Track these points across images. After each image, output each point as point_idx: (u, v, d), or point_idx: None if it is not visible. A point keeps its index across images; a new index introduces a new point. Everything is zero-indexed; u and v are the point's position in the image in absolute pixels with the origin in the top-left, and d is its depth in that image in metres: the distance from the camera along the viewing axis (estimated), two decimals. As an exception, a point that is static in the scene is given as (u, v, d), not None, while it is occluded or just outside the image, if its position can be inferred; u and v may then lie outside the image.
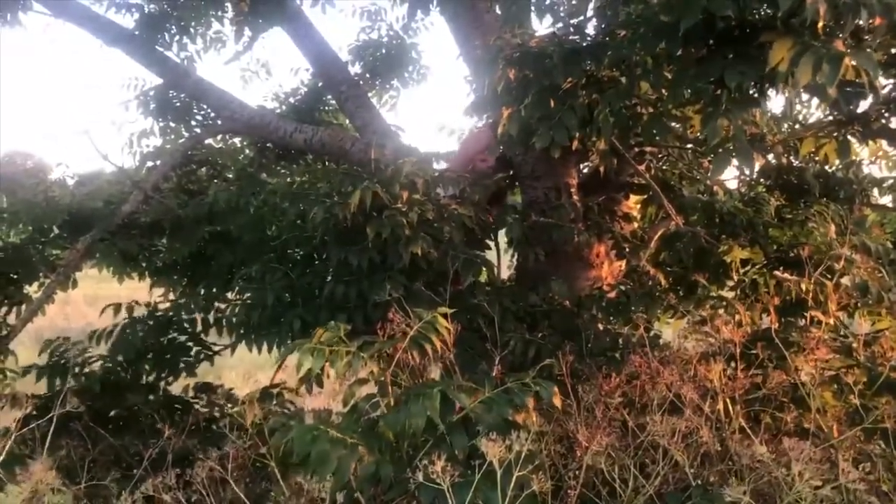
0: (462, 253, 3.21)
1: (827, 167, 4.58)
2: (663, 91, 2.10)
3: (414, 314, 2.33)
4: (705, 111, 1.94)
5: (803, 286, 2.66)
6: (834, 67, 1.65)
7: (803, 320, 2.86)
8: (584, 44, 2.24)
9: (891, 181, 4.69)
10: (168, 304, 3.83)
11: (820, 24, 1.64)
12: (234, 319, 3.47)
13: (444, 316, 2.20)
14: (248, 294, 3.40)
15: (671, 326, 3.48)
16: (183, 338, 3.65)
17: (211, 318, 3.73)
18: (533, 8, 3.80)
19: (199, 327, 3.71)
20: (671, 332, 3.60)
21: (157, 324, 3.65)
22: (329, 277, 3.16)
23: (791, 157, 4.53)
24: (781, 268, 3.49)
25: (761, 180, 4.65)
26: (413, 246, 2.98)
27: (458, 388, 1.92)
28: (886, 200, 4.82)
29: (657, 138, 2.47)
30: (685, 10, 1.76)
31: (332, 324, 2.29)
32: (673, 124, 2.23)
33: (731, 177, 4.63)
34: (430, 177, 3.33)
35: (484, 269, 3.34)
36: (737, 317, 2.70)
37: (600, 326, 3.40)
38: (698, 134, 2.46)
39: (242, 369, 4.82)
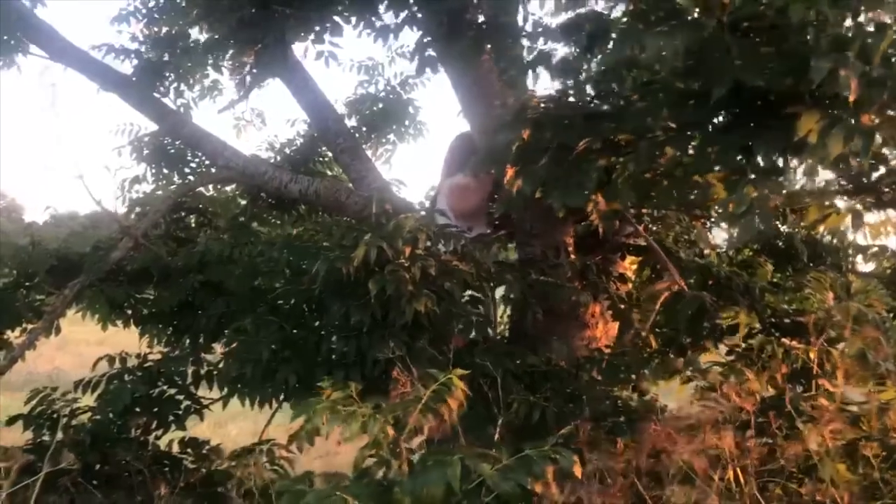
0: (463, 310, 3.15)
1: (814, 233, 4.64)
2: (682, 156, 2.08)
3: (423, 375, 2.26)
4: (730, 179, 1.93)
5: (812, 355, 2.63)
6: (866, 141, 1.65)
7: (811, 389, 2.82)
8: (605, 107, 2.23)
9: (875, 249, 4.74)
10: (158, 356, 3.70)
11: (851, 98, 1.65)
12: (226, 373, 3.36)
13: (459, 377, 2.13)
14: (241, 347, 3.30)
15: (666, 388, 3.45)
16: (172, 391, 3.52)
17: (202, 370, 3.62)
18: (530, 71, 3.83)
19: (190, 380, 3.58)
20: (665, 393, 3.57)
21: (145, 375, 3.52)
22: (326, 332, 3.06)
23: (779, 222, 4.58)
24: (777, 334, 3.49)
25: (749, 245, 4.68)
26: (417, 303, 2.92)
27: (476, 455, 1.85)
28: (870, 267, 4.87)
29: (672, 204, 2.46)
30: (716, 79, 1.76)
31: (326, 381, 2.22)
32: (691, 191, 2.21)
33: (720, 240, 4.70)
34: (433, 232, 3.28)
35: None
36: (747, 384, 2.65)
37: (599, 389, 3.35)
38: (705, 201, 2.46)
39: (212, 419, 4.70)
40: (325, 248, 3.13)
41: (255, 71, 4.36)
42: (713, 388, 2.79)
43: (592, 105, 2.29)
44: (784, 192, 1.86)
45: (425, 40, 3.19)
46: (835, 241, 4.80)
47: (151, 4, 4.85)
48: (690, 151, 2.05)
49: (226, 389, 3.35)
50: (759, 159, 1.87)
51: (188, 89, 4.69)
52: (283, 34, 3.45)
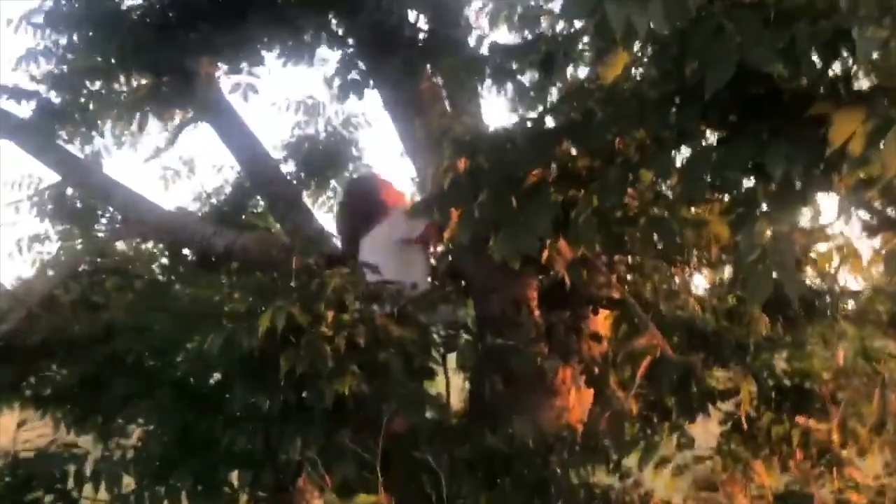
0: (402, 387, 2.58)
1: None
2: (663, 182, 1.53)
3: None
4: (735, 212, 1.37)
5: (833, 435, 2.04)
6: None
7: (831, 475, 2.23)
8: (557, 124, 1.68)
9: (867, 293, 4.24)
10: (30, 452, 3.03)
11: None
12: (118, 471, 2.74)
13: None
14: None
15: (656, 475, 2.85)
16: (48, 499, 2.86)
17: (88, 469, 2.95)
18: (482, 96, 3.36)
19: (71, 483, 2.92)
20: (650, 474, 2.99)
21: (15, 480, 2.86)
22: (229, 422, 2.47)
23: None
24: (779, 400, 2.94)
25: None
26: (337, 383, 2.35)
27: None
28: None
29: (657, 248, 1.90)
30: (713, 64, 1.20)
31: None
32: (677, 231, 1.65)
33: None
34: (364, 291, 2.72)
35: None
36: (751, 474, 2.06)
37: (573, 477, 2.78)
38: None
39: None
40: (227, 314, 2.54)
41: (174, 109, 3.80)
42: (710, 480, 2.18)
43: (540, 123, 1.74)
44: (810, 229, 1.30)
45: (349, 59, 2.65)
46: (821, 283, 4.29)
47: (64, 42, 4.28)
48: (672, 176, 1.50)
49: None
50: (773, 183, 1.31)
51: (98, 135, 4.11)
52: (182, 61, 2.90)
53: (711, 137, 1.46)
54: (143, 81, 3.86)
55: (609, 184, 1.54)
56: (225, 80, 3.63)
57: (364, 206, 3.75)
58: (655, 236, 1.68)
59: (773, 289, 3.79)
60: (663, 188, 1.63)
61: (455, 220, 2.29)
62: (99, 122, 4.11)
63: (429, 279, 3.64)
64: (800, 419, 2.35)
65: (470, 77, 3.05)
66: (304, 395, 2.49)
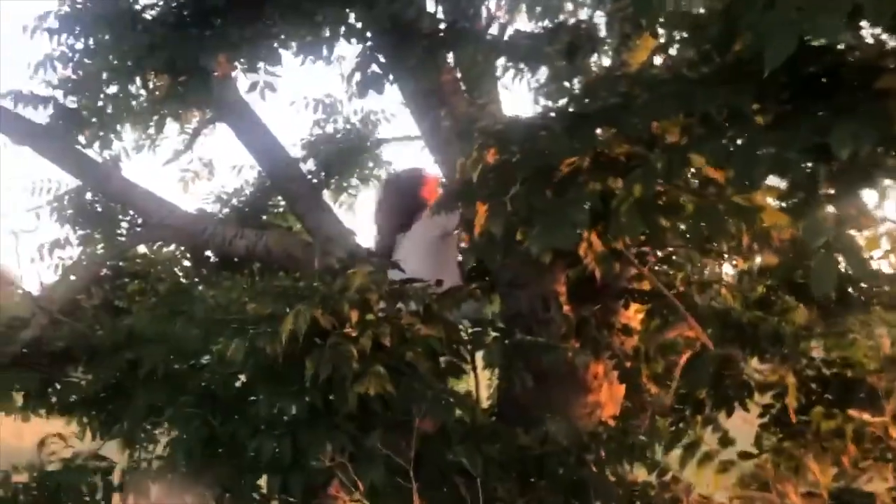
0: (430, 387, 2.48)
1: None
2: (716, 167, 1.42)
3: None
4: (793, 198, 1.26)
5: (891, 430, 1.92)
6: None
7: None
8: (593, 110, 1.57)
9: (901, 275, 4.08)
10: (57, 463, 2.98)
11: None
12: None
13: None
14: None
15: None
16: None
17: (115, 479, 2.90)
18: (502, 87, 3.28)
19: (100, 494, 2.87)
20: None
21: (42, 494, 2.80)
22: (256, 428, 2.39)
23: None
24: (820, 392, 2.82)
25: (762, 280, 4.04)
26: (361, 385, 2.27)
27: None
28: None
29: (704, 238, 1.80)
30: (771, 37, 1.09)
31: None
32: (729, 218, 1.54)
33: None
34: (388, 290, 2.63)
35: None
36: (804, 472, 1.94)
37: (609, 474, 2.68)
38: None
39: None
40: (252, 321, 2.47)
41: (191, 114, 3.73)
42: (759, 478, 2.06)
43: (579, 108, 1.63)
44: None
45: (368, 53, 2.56)
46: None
47: (80, 47, 4.23)
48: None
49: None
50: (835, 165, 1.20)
51: (117, 139, 4.06)
52: (198, 60, 2.82)
53: (762, 119, 1.35)
54: (160, 83, 3.83)
55: (653, 170, 1.43)
56: (242, 79, 3.58)
57: (404, 201, 3.69)
58: (704, 224, 1.58)
59: (802, 276, 3.68)
60: (710, 174, 1.52)
61: (482, 214, 2.21)
62: (117, 125, 4.06)
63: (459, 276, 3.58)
64: (852, 412, 2.22)
65: (490, 65, 2.97)
66: (331, 398, 2.40)
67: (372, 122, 5.11)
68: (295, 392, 2.33)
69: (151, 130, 4.45)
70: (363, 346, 2.36)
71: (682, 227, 1.64)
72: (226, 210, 4.97)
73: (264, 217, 4.85)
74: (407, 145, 4.94)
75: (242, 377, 2.65)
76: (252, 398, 2.66)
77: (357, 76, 2.66)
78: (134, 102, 4.04)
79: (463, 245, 3.75)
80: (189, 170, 5.14)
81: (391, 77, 2.79)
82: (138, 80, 3.53)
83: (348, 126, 5.08)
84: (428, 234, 3.46)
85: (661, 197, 1.60)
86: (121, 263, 4.49)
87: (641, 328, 3.67)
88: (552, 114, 1.78)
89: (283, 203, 4.84)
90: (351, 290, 2.52)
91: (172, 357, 3.25)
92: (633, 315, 3.62)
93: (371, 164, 5.10)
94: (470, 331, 2.97)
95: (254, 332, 2.30)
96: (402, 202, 3.67)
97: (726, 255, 3.80)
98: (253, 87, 3.38)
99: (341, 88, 5.62)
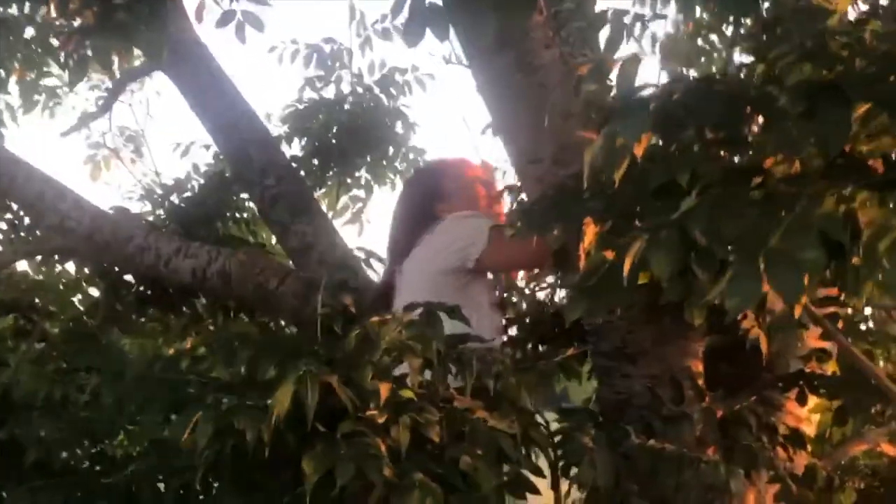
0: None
1: None
2: None
3: None
4: None
5: None
6: None
7: None
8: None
9: None
10: None
11: None
12: None
13: None
14: None
15: None
16: None
17: None
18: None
19: None
20: None
21: None
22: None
23: None
24: None
25: None
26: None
27: None
28: None
29: None
30: None
31: None
32: None
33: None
34: (437, 351, 2.63)
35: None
36: None
37: None
38: None
39: None
40: (220, 387, 2.52)
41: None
42: None
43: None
44: None
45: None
46: None
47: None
48: None
49: None
50: None
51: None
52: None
53: None
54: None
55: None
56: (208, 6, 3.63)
57: (413, 206, 3.79)
58: None
59: None
60: None
61: (592, 234, 2.20)
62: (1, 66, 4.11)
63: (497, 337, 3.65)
64: None
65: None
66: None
67: (396, 84, 5.15)
68: (286, 505, 2.30)
69: (52, 79, 4.52)
70: (397, 441, 2.37)
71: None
72: (160, 212, 5.03)
73: (220, 225, 4.90)
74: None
75: (196, 480, 2.65)
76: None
77: (405, 10, 2.64)
78: (29, 32, 4.11)
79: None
80: (103, 145, 5.20)
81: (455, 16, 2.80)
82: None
83: (360, 89, 5.14)
84: (429, 261, 3.50)
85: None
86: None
87: (819, 434, 3.69)
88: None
89: (250, 205, 4.94)
90: (378, 350, 2.53)
91: (74, 439, 3.38)
92: (808, 415, 3.64)
93: (391, 150, 5.13)
94: (555, 426, 3.00)
95: (230, 405, 2.28)
96: (412, 207, 3.78)
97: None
98: (227, 19, 3.41)
99: (350, 31, 5.65)
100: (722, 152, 1.78)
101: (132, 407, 3.16)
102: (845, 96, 1.45)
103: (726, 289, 1.56)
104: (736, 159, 1.83)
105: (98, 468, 3.42)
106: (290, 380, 2.29)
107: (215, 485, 2.64)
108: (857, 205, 1.55)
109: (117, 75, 4.88)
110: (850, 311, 3.61)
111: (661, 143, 1.85)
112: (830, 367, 3.36)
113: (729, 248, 1.59)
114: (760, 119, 1.77)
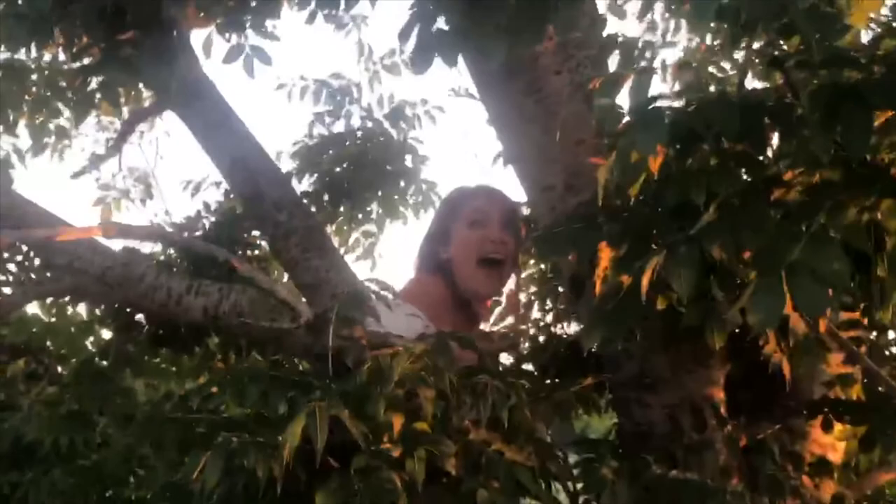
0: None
1: None
2: None
3: None
4: None
5: None
6: None
7: None
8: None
9: None
10: None
11: None
12: None
13: None
14: None
15: None
16: None
17: None
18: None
19: None
20: None
21: None
22: None
23: None
24: None
25: None
26: (418, 540, 2.30)
27: None
28: None
29: None
30: None
31: None
32: None
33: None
34: (454, 381, 2.63)
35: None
36: None
37: None
38: None
39: None
40: (228, 424, 2.49)
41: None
42: None
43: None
44: None
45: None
46: None
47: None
48: None
49: None
50: None
51: (6, 132, 4.17)
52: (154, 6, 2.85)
53: None
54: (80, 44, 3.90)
55: None
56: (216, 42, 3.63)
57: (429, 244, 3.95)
58: None
59: None
60: None
61: (606, 258, 2.19)
62: (10, 109, 4.12)
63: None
64: None
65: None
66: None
67: (406, 117, 5.19)
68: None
69: (61, 120, 4.54)
70: (412, 474, 2.36)
71: None
72: (171, 251, 4.95)
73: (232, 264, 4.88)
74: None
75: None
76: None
77: (413, 37, 2.62)
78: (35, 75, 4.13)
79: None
80: (114, 186, 5.21)
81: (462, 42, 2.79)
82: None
83: (369, 123, 5.18)
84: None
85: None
86: (-2, 332, 4.61)
87: (845, 462, 3.64)
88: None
89: (262, 242, 4.98)
90: (391, 382, 2.50)
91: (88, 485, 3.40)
92: (833, 442, 3.59)
93: (402, 184, 5.14)
94: (574, 458, 2.98)
95: (240, 444, 2.25)
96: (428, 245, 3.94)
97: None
98: (233, 54, 3.41)
99: (358, 66, 5.72)
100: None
101: (143, 449, 3.18)
102: (866, 102, 1.42)
103: (748, 304, 1.52)
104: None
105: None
106: (302, 415, 2.28)
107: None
108: (880, 215, 1.52)
109: (125, 114, 4.91)
110: (874, 335, 3.60)
111: (675, 159, 1.83)
112: (855, 392, 3.34)
113: (749, 265, 1.56)
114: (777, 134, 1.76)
